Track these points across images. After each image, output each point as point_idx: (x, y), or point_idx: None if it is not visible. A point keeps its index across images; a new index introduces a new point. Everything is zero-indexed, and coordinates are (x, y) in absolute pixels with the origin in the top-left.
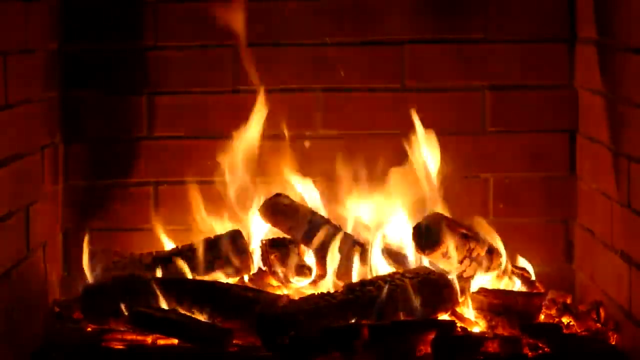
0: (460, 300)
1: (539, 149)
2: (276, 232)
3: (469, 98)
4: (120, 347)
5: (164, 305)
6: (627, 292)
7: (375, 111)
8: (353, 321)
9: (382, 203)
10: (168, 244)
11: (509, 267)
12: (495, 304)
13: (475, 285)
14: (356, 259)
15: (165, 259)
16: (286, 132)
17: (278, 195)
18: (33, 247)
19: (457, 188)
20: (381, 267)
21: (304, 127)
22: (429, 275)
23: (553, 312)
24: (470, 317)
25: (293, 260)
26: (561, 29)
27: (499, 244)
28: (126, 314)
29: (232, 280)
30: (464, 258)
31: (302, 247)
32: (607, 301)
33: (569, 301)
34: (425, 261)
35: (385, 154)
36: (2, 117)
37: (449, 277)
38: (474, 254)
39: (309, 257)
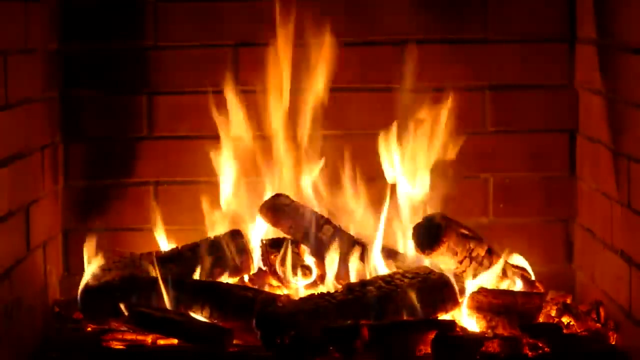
0: (460, 300)
1: (539, 149)
2: (276, 232)
3: (469, 98)
4: (120, 347)
5: (164, 305)
6: (627, 292)
7: (375, 111)
8: (353, 321)
9: (382, 202)
10: (168, 244)
11: (509, 267)
12: (495, 304)
13: (475, 285)
14: (356, 259)
15: (165, 259)
16: (286, 132)
17: (278, 195)
18: (33, 247)
19: (457, 188)
20: (381, 267)
21: (304, 127)
22: (429, 275)
23: (553, 312)
24: (470, 317)
25: (293, 260)
26: (561, 29)
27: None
28: (126, 314)
29: (232, 280)
30: (464, 258)
31: (302, 247)
32: (607, 301)
33: (569, 301)
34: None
35: (385, 153)
36: (2, 117)
37: (449, 277)
38: (474, 254)
39: (309, 257)
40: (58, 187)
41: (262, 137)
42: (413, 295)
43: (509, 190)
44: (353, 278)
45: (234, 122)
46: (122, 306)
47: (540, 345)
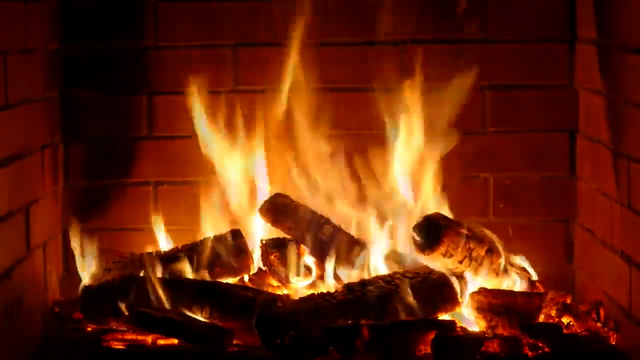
0: (460, 300)
1: (539, 149)
2: (276, 232)
3: (469, 98)
4: (120, 347)
5: (164, 305)
6: (627, 292)
7: (375, 111)
8: (353, 321)
9: (382, 202)
10: (168, 244)
11: (509, 267)
12: (495, 304)
13: (475, 285)
14: (356, 259)
15: (165, 259)
16: (286, 132)
17: (278, 195)
18: (33, 247)
19: (457, 188)
20: (381, 267)
21: (303, 127)
22: (429, 275)
23: (553, 312)
24: (470, 317)
25: (293, 260)
26: (561, 29)
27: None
28: (126, 314)
29: (232, 280)
30: (464, 258)
31: (302, 247)
32: (607, 301)
33: (569, 301)
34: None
35: (385, 153)
36: (2, 117)
37: (449, 277)
38: (474, 254)
39: (309, 257)
40: (58, 187)
41: (262, 136)
42: (413, 296)
43: (509, 190)
44: (353, 278)
45: (234, 122)
46: (122, 306)
47: (540, 345)
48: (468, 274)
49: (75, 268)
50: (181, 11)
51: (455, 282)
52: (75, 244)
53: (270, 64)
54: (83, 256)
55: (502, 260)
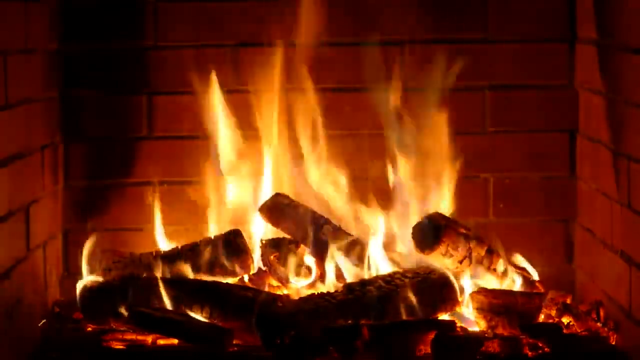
0: (460, 300)
1: (539, 149)
2: (276, 232)
3: (469, 98)
4: (120, 347)
5: (164, 305)
6: (627, 292)
7: (376, 111)
8: (353, 321)
9: (382, 202)
10: (168, 244)
11: (509, 267)
12: (495, 304)
13: (475, 286)
14: (356, 259)
15: (165, 259)
16: (285, 132)
17: (278, 195)
18: (33, 247)
19: (457, 188)
20: (381, 266)
21: (304, 127)
22: (429, 275)
23: (553, 312)
24: (470, 317)
25: (293, 260)
26: (561, 29)
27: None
28: (126, 314)
29: (232, 280)
30: (464, 258)
31: (302, 247)
32: (607, 301)
33: (569, 301)
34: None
35: (385, 153)
36: (2, 117)
37: (449, 276)
38: (474, 254)
39: (309, 257)
40: (58, 187)
41: (262, 137)
42: (413, 296)
43: (509, 190)
44: (352, 278)
45: (233, 122)
46: (122, 306)
47: (540, 345)
48: (468, 274)
49: (75, 268)
50: (181, 11)
51: (455, 282)
52: (87, 245)
53: (270, 64)
54: (92, 258)
55: (502, 260)
